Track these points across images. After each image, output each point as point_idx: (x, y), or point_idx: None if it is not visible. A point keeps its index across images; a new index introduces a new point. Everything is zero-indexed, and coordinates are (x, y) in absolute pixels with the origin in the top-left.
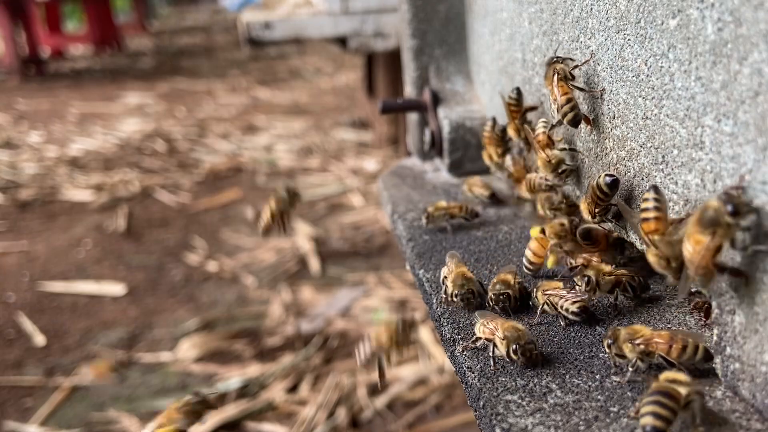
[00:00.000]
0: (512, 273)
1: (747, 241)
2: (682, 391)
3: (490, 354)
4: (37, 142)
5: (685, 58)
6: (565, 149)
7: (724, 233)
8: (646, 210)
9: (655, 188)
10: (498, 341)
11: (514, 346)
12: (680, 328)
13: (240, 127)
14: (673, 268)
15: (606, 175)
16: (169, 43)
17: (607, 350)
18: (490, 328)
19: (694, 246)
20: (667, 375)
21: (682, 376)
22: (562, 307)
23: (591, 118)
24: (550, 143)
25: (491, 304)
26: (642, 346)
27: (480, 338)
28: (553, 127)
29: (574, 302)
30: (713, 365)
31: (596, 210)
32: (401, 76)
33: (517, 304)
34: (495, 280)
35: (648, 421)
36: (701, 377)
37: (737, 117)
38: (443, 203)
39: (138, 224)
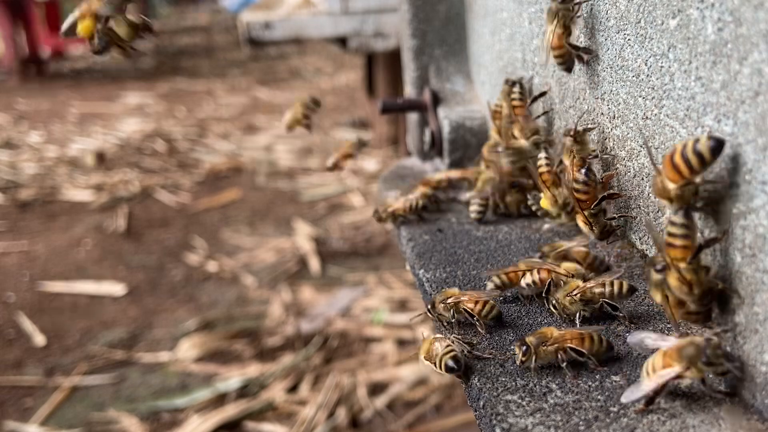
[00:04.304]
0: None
1: None
2: None
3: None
4: (37, 142)
5: (685, 58)
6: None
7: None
8: (672, 235)
9: (686, 212)
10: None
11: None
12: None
13: (240, 127)
14: (696, 295)
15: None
16: (169, 43)
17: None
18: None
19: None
20: None
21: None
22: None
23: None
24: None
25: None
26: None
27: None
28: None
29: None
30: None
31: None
32: (401, 76)
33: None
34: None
35: None
36: None
37: (737, 117)
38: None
39: (138, 224)
